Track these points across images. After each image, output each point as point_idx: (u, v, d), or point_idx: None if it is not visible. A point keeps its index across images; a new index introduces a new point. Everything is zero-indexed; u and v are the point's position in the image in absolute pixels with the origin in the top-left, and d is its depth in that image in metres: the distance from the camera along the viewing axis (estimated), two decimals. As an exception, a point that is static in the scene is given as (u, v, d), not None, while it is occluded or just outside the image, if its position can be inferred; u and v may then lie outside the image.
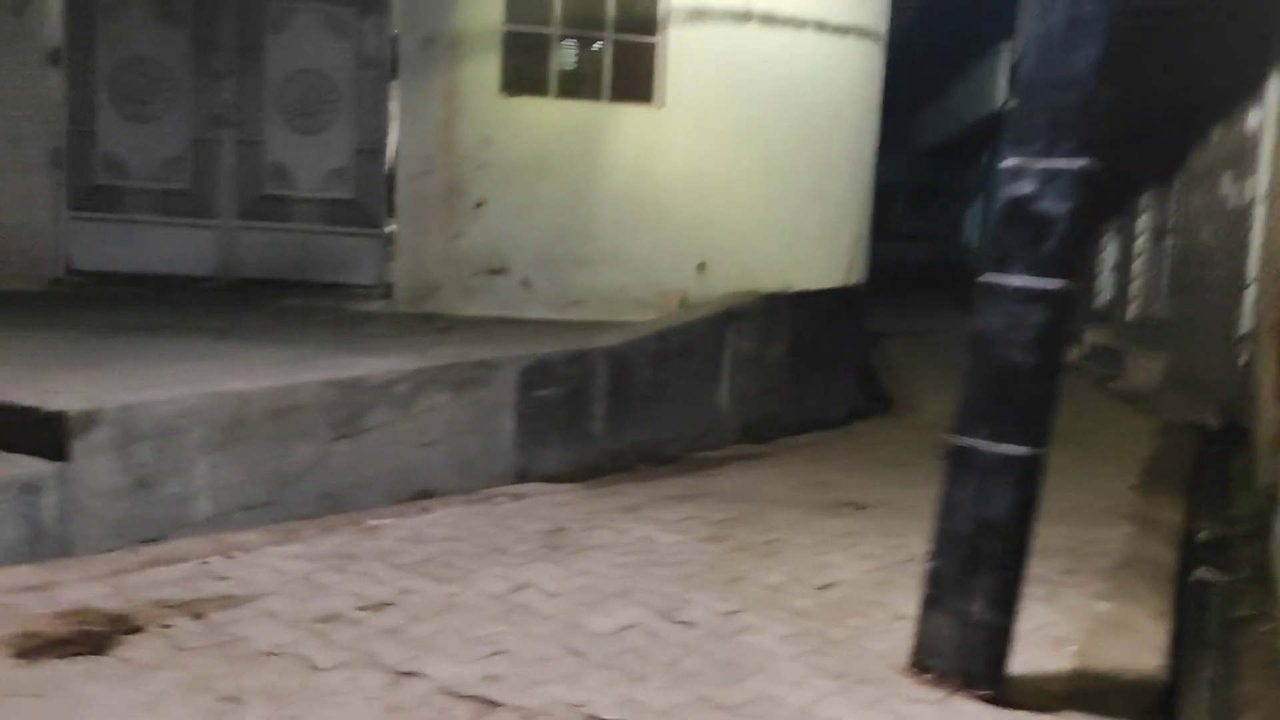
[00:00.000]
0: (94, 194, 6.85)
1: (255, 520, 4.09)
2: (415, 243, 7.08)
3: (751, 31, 7.15)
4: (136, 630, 2.67)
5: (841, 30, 7.44)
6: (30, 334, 5.16)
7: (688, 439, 6.38)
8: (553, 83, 7.09)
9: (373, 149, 7.07)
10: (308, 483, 4.32)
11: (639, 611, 3.02)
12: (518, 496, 4.68)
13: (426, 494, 4.79)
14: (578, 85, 7.12)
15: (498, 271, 7.13)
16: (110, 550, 3.58)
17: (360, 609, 2.93)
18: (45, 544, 3.48)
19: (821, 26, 7.33)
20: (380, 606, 2.96)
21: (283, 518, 4.18)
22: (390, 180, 7.08)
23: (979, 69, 18.94)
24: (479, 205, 7.07)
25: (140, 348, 4.91)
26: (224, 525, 3.97)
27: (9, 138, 6.58)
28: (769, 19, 7.13)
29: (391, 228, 7.10)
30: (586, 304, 7.17)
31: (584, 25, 7.09)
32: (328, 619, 2.85)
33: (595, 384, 5.74)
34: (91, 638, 2.60)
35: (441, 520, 4.12)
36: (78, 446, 3.56)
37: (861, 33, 7.57)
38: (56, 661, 2.48)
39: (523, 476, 5.26)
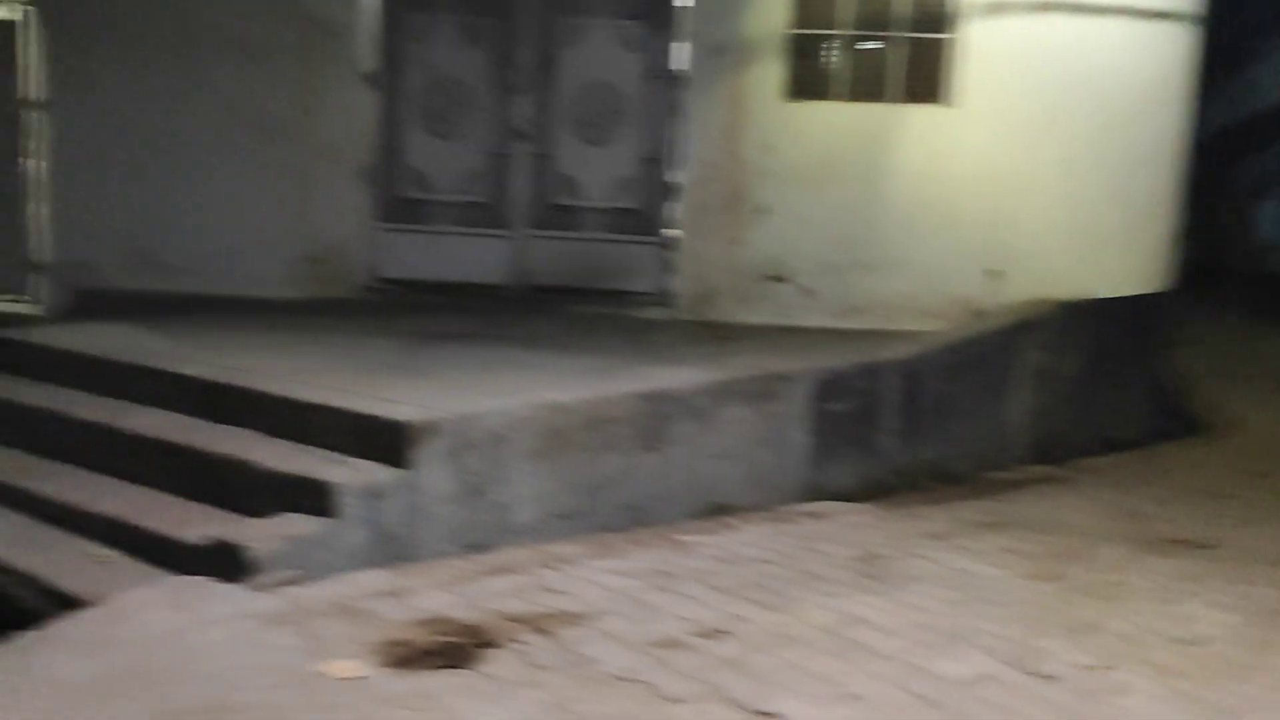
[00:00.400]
0: (400, 206, 7.30)
1: (567, 529, 4.20)
2: (696, 250, 7.12)
3: (1054, 22, 6.72)
4: (492, 645, 2.77)
5: (1154, 15, 6.85)
6: (354, 340, 5.53)
7: (977, 457, 6.08)
8: (838, 85, 6.93)
9: (657, 158, 7.16)
10: (615, 493, 4.40)
11: (987, 658, 2.85)
12: (817, 516, 4.58)
13: (722, 508, 4.78)
14: (864, 87, 6.93)
15: (778, 278, 7.06)
16: (443, 555, 3.77)
17: (695, 635, 2.93)
18: (389, 548, 3.70)
19: (1131, 12, 6.79)
20: (715, 634, 2.94)
21: (592, 527, 4.27)
22: (673, 188, 7.15)
23: (1282, 46, 17.11)
24: (760, 212, 7.02)
25: (455, 356, 5.16)
26: (540, 533, 4.11)
27: (329, 155, 7.11)
28: (1074, 8, 6.68)
29: (673, 235, 7.17)
30: (868, 312, 6.97)
31: (872, 25, 6.88)
32: (666, 644, 2.85)
33: (886, 397, 5.55)
34: (453, 650, 2.72)
35: (747, 539, 4.09)
36: (419, 454, 3.76)
37: (1175, 17, 6.95)
38: (425, 673, 2.60)
39: (813, 492, 5.16)
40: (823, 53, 6.95)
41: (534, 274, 7.29)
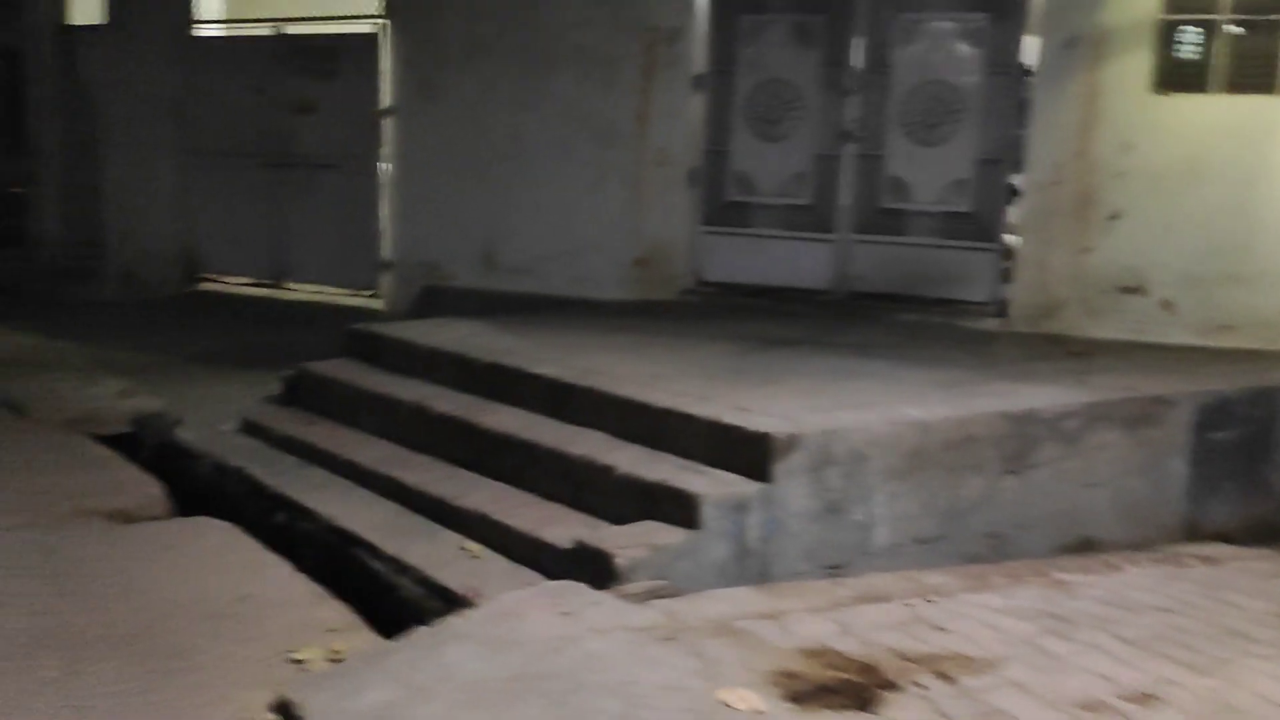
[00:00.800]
0: (724, 210, 7.24)
1: (926, 555, 3.92)
2: (1038, 258, 6.58)
3: None
4: (890, 686, 2.56)
5: None
6: (688, 343, 5.46)
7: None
8: (1215, 77, 6.18)
9: (995, 159, 6.70)
10: (974, 519, 4.07)
11: None
12: (1211, 560, 4.05)
13: (1088, 542, 4.34)
14: (1249, 77, 6.12)
15: (1132, 290, 6.40)
16: (801, 575, 3.60)
17: (1121, 697, 2.58)
18: (747, 564, 3.56)
19: None
20: (1144, 698, 2.58)
21: (950, 555, 3.98)
22: (1012, 191, 6.67)
23: None
24: (1115, 217, 6.39)
25: (792, 363, 4.99)
26: (898, 558, 3.85)
27: (660, 159, 7.17)
28: None
29: (1011, 241, 6.68)
30: (1241, 329, 6.18)
31: (1260, 9, 6.09)
32: (1090, 706, 2.52)
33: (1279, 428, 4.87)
34: (850, 689, 2.53)
35: (1136, 582, 3.65)
36: (779, 468, 3.61)
37: None
38: (826, 712, 2.42)
39: (1190, 530, 4.61)
40: (1197, 40, 6.23)
41: (857, 280, 7.02)
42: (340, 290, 8.48)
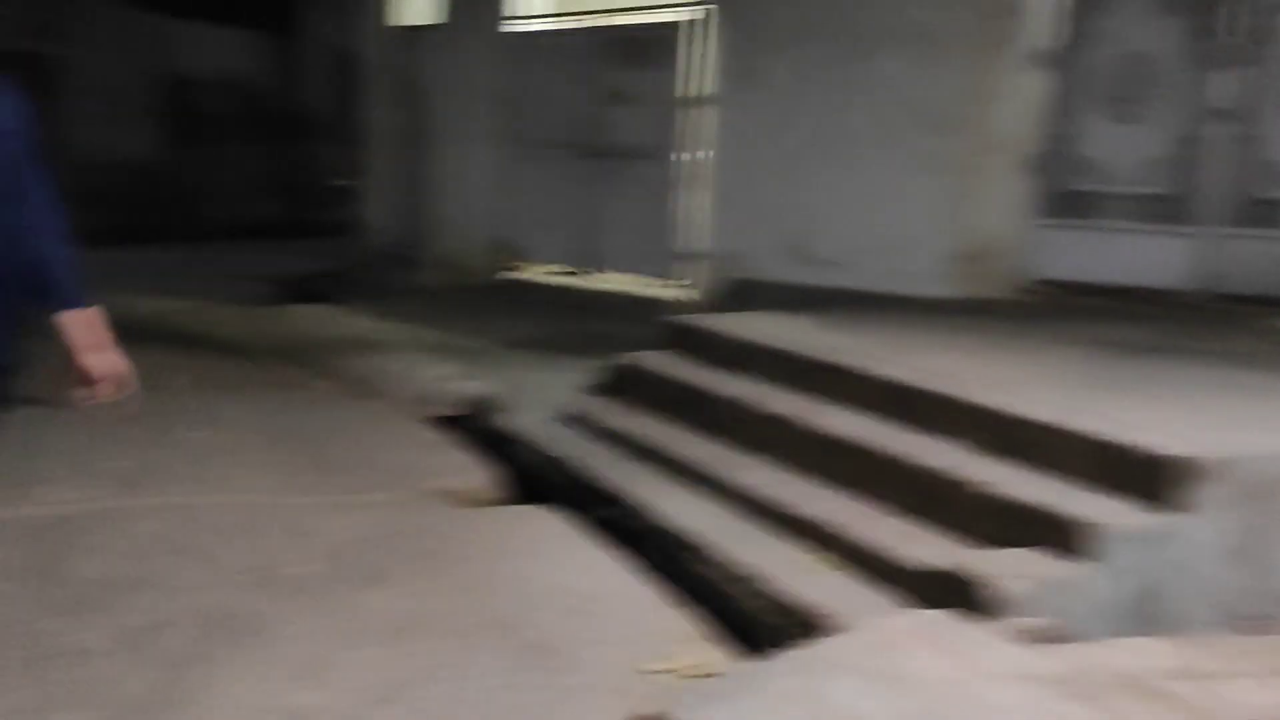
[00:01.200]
0: (1066, 200, 6.59)
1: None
2: None
3: None
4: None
5: None
6: (1034, 346, 4.94)
7: None
8: None
9: None
10: None
11: None
12: None
13: None
14: None
15: None
16: (1208, 625, 3.08)
17: None
18: (1144, 608, 3.07)
19: None
20: None
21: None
22: None
23: None
24: None
25: (1164, 373, 4.37)
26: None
27: (991, 145, 6.60)
28: None
29: None
30: None
31: None
32: None
33: None
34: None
35: None
36: (1189, 497, 3.09)
37: None
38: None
39: None
40: None
41: (1224, 279, 6.18)
42: (643, 279, 8.47)
